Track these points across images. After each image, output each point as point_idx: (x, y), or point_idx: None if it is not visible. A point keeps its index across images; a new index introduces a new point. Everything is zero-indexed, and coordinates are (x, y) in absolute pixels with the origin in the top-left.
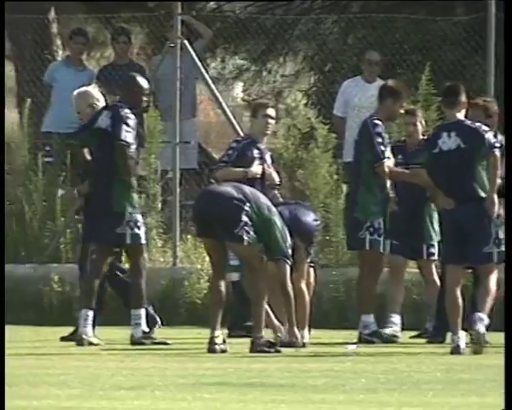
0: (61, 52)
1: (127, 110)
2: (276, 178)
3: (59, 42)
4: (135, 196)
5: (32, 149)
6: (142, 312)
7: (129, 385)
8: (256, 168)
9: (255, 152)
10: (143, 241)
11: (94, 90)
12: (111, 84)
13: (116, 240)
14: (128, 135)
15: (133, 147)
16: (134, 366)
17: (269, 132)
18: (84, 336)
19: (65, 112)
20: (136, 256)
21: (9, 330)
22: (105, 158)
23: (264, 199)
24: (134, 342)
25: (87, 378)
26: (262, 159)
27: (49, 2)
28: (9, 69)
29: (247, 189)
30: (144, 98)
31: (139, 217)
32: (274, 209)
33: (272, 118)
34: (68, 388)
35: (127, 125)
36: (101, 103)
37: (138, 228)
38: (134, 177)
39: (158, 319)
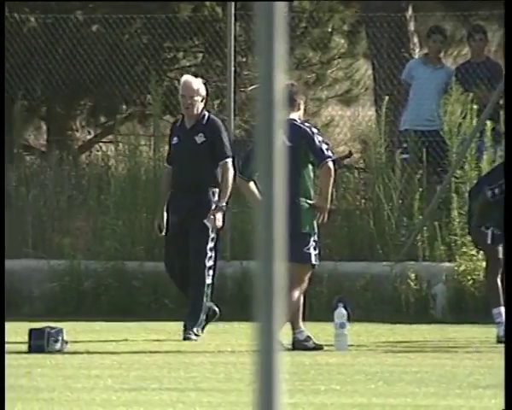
0: (417, 50)
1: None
2: None
3: (416, 40)
4: None
5: (388, 147)
6: (502, 310)
7: (486, 384)
8: None
9: None
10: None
11: (196, 80)
12: (468, 83)
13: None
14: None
15: None
16: (491, 364)
17: None
18: None
19: (423, 109)
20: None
21: (365, 327)
22: None
23: None
24: (499, 341)
25: (444, 377)
26: None
27: (407, 2)
28: (366, 67)
29: None
30: None
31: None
32: None
33: None
34: (425, 386)
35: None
36: (201, 95)
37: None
38: None
39: (217, 310)
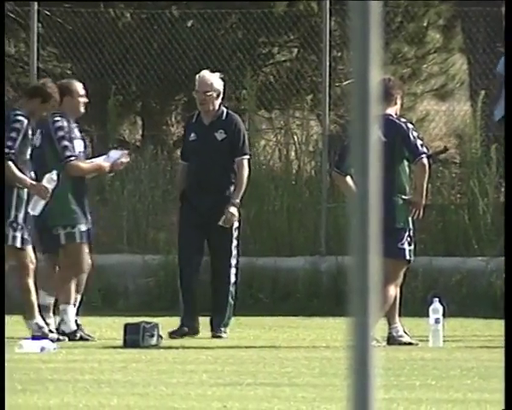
0: None
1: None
2: None
3: None
4: None
5: (484, 142)
6: None
7: None
8: None
9: None
10: None
11: (212, 75)
12: None
13: None
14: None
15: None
16: None
17: None
18: None
19: None
20: None
21: (460, 322)
22: None
23: None
24: None
25: None
26: None
27: None
28: (461, 62)
29: None
30: None
31: None
32: None
33: None
34: None
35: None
36: (216, 91)
37: None
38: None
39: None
